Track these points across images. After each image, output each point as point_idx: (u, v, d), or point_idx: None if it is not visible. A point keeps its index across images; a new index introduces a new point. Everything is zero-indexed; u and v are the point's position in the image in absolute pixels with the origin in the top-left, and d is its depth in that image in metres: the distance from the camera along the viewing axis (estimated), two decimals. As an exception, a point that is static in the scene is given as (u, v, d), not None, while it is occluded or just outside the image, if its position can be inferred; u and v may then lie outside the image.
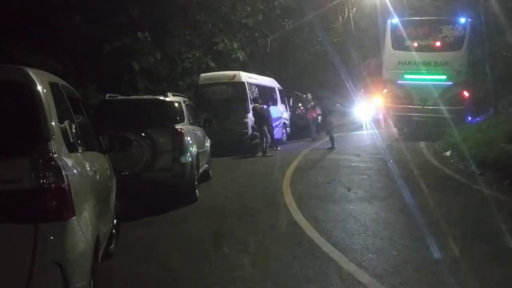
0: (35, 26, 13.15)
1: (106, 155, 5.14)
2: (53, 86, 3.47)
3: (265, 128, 14.59)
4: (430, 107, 16.85)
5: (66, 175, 3.02)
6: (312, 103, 19.56)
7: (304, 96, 21.91)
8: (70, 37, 14.12)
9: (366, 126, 21.63)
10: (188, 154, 8.04)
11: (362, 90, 29.46)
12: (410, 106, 17.15)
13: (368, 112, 22.86)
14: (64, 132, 3.36)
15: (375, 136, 17.68)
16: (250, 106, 15.22)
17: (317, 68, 28.21)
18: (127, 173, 7.35)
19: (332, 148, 15.11)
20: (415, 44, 17.09)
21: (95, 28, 14.81)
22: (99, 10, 15.13)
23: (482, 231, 5.96)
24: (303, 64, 27.50)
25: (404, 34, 17.20)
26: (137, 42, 16.29)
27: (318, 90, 23.85)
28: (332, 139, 15.49)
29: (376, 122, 21.59)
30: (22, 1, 12.95)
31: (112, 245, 5.30)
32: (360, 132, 21.31)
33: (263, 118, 14.80)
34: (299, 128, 20.01)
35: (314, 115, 19.32)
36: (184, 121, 8.52)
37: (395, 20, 17.94)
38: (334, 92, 22.86)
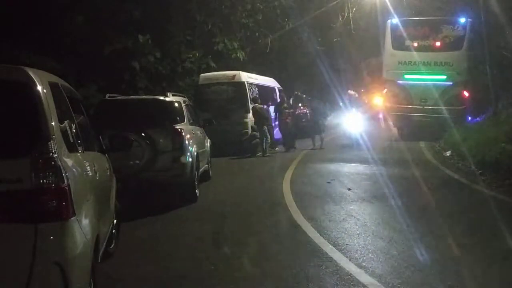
0: (36, 26, 13.15)
1: (106, 155, 5.14)
2: (53, 86, 3.47)
3: (265, 128, 14.59)
4: (430, 107, 16.85)
5: (66, 175, 3.02)
6: (286, 105, 16.50)
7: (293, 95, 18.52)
8: (71, 37, 14.13)
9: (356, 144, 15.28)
10: (188, 154, 8.03)
11: (363, 90, 29.43)
12: (410, 106, 17.16)
13: (361, 122, 16.69)
14: (64, 132, 3.36)
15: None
16: (250, 106, 15.23)
17: (315, 68, 28.21)
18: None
19: (314, 148, 15.42)
20: (415, 44, 17.10)
21: (95, 29, 14.82)
22: (99, 10, 15.13)
23: (482, 231, 5.96)
24: (303, 64, 27.52)
25: (404, 34, 17.21)
26: (138, 44, 16.30)
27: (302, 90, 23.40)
28: (322, 140, 15.76)
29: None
30: (23, 1, 12.95)
31: (112, 245, 5.30)
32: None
33: (263, 118, 14.80)
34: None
35: (288, 119, 15.95)
36: (184, 121, 8.51)
37: (395, 20, 17.95)
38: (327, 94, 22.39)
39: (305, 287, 4.40)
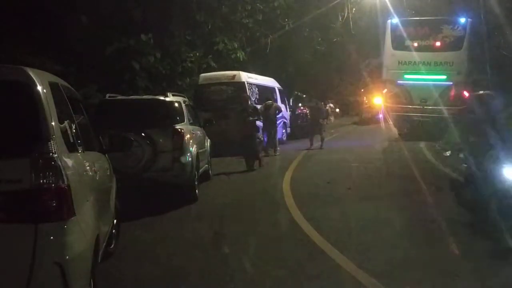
0: (36, 26, 13.15)
1: (106, 155, 5.14)
2: (53, 86, 3.48)
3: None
4: (430, 107, 16.84)
5: (66, 175, 3.02)
6: (251, 110, 12.40)
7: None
8: (71, 37, 14.13)
9: None
10: (188, 154, 8.04)
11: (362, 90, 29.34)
12: (410, 106, 17.15)
13: None
14: (64, 132, 3.36)
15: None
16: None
17: (315, 68, 28.18)
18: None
19: (310, 148, 15.57)
20: (415, 44, 17.09)
21: (95, 29, 14.82)
22: (99, 10, 15.14)
23: (482, 231, 5.96)
24: (303, 64, 27.51)
25: (404, 34, 17.20)
26: (139, 43, 16.31)
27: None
28: (322, 140, 15.95)
29: None
30: (23, 1, 12.94)
31: (112, 245, 5.30)
32: None
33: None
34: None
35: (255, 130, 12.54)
36: (184, 121, 8.52)
37: (395, 20, 17.95)
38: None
39: (305, 287, 4.40)
